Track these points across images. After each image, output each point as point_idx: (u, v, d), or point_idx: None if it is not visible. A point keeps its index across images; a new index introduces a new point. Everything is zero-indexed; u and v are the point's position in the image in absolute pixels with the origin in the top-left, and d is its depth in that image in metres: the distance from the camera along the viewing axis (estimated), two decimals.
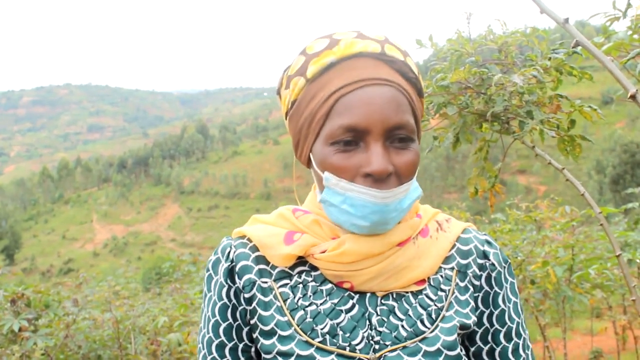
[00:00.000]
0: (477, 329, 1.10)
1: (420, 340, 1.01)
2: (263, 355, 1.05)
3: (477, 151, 2.13)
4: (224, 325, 1.08)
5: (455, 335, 1.02)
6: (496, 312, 1.10)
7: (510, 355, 1.10)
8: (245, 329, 1.08)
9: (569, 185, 2.05)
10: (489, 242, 1.13)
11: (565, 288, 3.86)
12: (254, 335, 1.07)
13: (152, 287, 10.65)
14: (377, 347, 1.00)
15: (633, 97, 1.22)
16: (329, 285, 1.04)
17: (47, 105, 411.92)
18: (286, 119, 1.09)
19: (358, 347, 1.00)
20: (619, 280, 4.38)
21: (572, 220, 3.75)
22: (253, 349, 1.09)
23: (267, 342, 1.04)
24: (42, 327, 3.98)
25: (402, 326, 1.01)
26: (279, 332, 1.03)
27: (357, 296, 1.03)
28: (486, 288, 1.10)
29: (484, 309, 1.10)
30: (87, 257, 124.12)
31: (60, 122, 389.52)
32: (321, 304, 1.03)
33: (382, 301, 1.03)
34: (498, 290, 1.10)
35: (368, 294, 1.04)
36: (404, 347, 1.00)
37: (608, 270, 3.99)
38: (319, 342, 1.00)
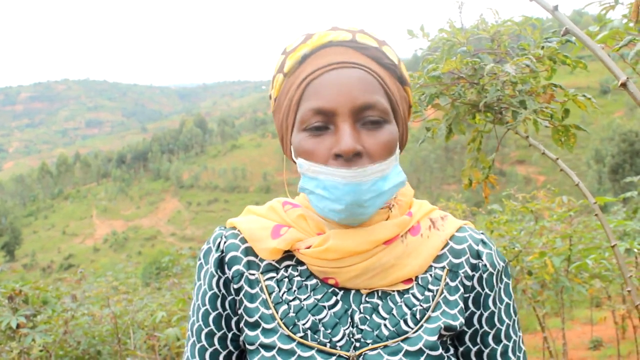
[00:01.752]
0: (466, 329, 1.08)
1: (402, 340, 0.99)
2: (247, 346, 1.06)
3: (470, 142, 2.11)
4: (213, 314, 1.09)
5: (438, 336, 1.01)
6: (486, 314, 1.08)
7: (499, 357, 1.09)
8: (234, 319, 1.09)
9: (568, 175, 2.03)
10: (484, 242, 1.10)
11: (564, 278, 3.85)
12: (240, 326, 1.07)
13: (152, 282, 10.65)
14: (357, 344, 0.99)
15: (624, 85, 1.21)
16: (314, 281, 1.04)
17: (45, 101, 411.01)
18: (273, 117, 1.11)
19: (339, 344, 0.99)
20: (617, 270, 4.37)
21: (570, 210, 3.74)
22: (241, 339, 1.09)
23: (251, 334, 1.04)
24: (40, 324, 3.98)
25: (385, 325, 1.00)
26: (263, 324, 1.03)
27: (341, 292, 1.03)
28: (478, 289, 1.07)
29: (474, 310, 1.08)
30: (88, 252, 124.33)
31: (58, 118, 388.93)
32: (305, 299, 1.03)
33: (367, 299, 1.02)
34: (489, 292, 1.08)
35: (353, 291, 1.03)
36: (385, 346, 0.99)
37: (606, 260, 3.98)
38: (300, 337, 1.00)
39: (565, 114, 1.92)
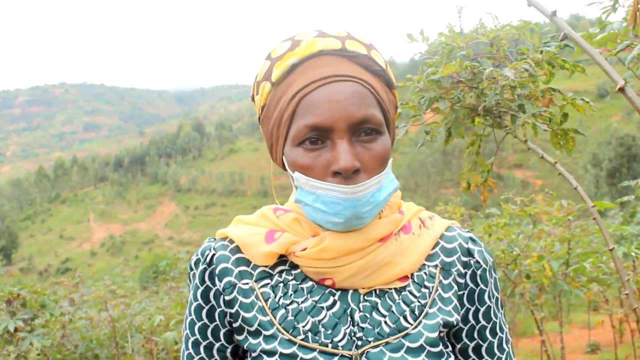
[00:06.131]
0: (462, 326, 1.10)
1: (403, 337, 1.01)
2: (251, 353, 1.06)
3: (469, 145, 2.12)
4: (198, 324, 1.11)
5: (438, 333, 1.03)
6: (482, 309, 1.11)
7: (496, 350, 1.12)
8: (223, 330, 1.10)
9: (565, 179, 2.04)
10: (473, 240, 1.13)
11: (561, 282, 3.85)
12: (242, 337, 1.07)
13: (150, 286, 10.63)
14: (359, 343, 1.00)
15: (622, 90, 1.22)
16: (310, 283, 1.05)
17: (42, 105, 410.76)
18: (260, 123, 1.10)
19: (340, 344, 1.00)
20: (615, 274, 4.37)
21: (568, 214, 3.74)
22: (229, 350, 1.11)
23: (254, 341, 1.05)
24: (38, 327, 3.97)
25: (385, 322, 1.01)
26: (263, 331, 1.03)
27: (338, 293, 1.04)
28: (471, 285, 1.10)
29: (469, 306, 1.10)
30: (85, 256, 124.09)
31: (55, 122, 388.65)
32: (302, 302, 1.03)
33: (365, 297, 1.03)
34: (484, 288, 1.11)
35: (350, 291, 1.04)
36: (387, 343, 1.00)
37: (604, 263, 3.99)
38: (301, 339, 1.01)
39: (564, 118, 1.93)
